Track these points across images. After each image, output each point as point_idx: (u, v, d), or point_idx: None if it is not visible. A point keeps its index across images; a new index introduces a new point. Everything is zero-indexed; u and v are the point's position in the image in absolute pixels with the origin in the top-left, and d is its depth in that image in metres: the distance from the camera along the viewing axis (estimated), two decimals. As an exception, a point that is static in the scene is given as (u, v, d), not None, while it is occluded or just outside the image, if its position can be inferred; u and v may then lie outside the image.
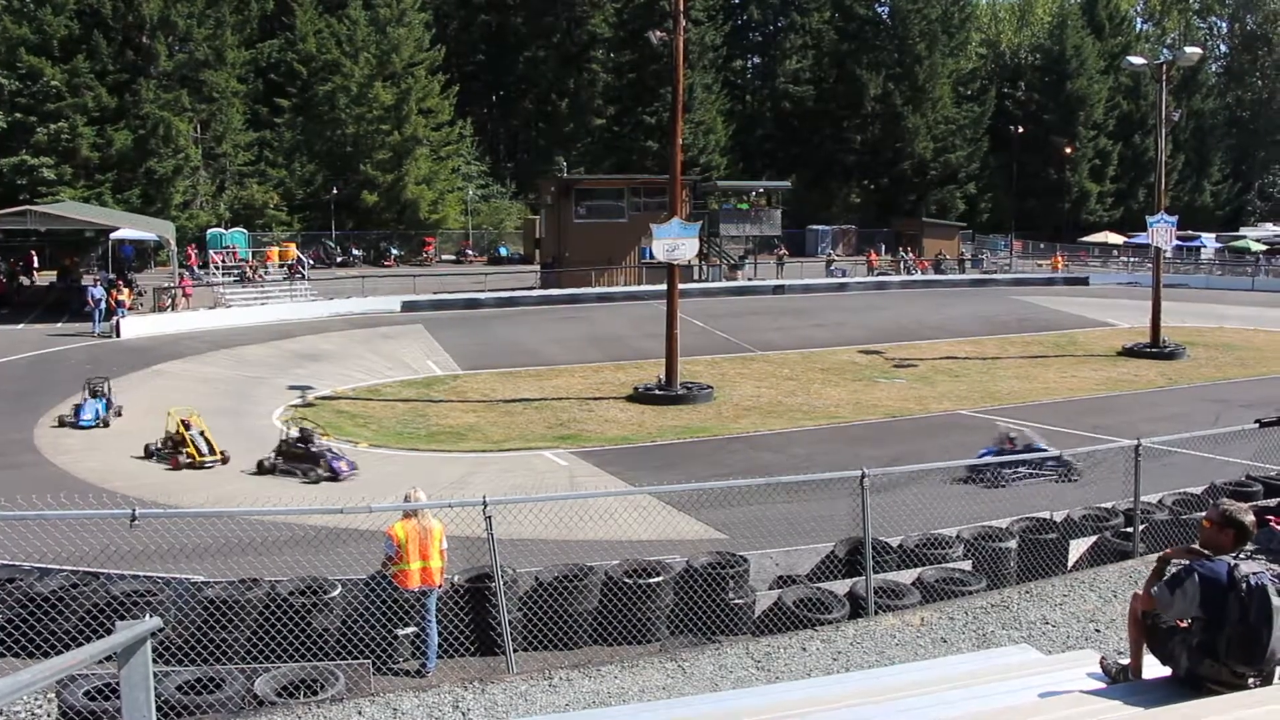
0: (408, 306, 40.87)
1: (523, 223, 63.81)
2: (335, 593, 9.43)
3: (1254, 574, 5.24)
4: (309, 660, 8.25)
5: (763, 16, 77.46)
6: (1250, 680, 5.27)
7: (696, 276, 48.06)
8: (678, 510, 14.96)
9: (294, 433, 19.87)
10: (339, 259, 55.90)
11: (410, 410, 24.81)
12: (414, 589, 9.25)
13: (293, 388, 26.39)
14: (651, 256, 30.44)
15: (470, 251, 61.80)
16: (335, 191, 57.98)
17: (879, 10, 76.13)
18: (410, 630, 9.28)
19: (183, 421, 19.27)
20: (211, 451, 19.14)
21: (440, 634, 9.23)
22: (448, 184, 64.05)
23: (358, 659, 8.39)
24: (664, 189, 33.85)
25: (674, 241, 26.19)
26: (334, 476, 18.22)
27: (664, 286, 27.88)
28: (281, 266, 45.87)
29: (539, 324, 38.16)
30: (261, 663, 8.18)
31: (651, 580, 9.85)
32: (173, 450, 19.10)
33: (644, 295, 42.48)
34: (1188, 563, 5.44)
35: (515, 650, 8.53)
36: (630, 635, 9.45)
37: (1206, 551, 5.49)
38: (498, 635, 8.65)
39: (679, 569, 10.22)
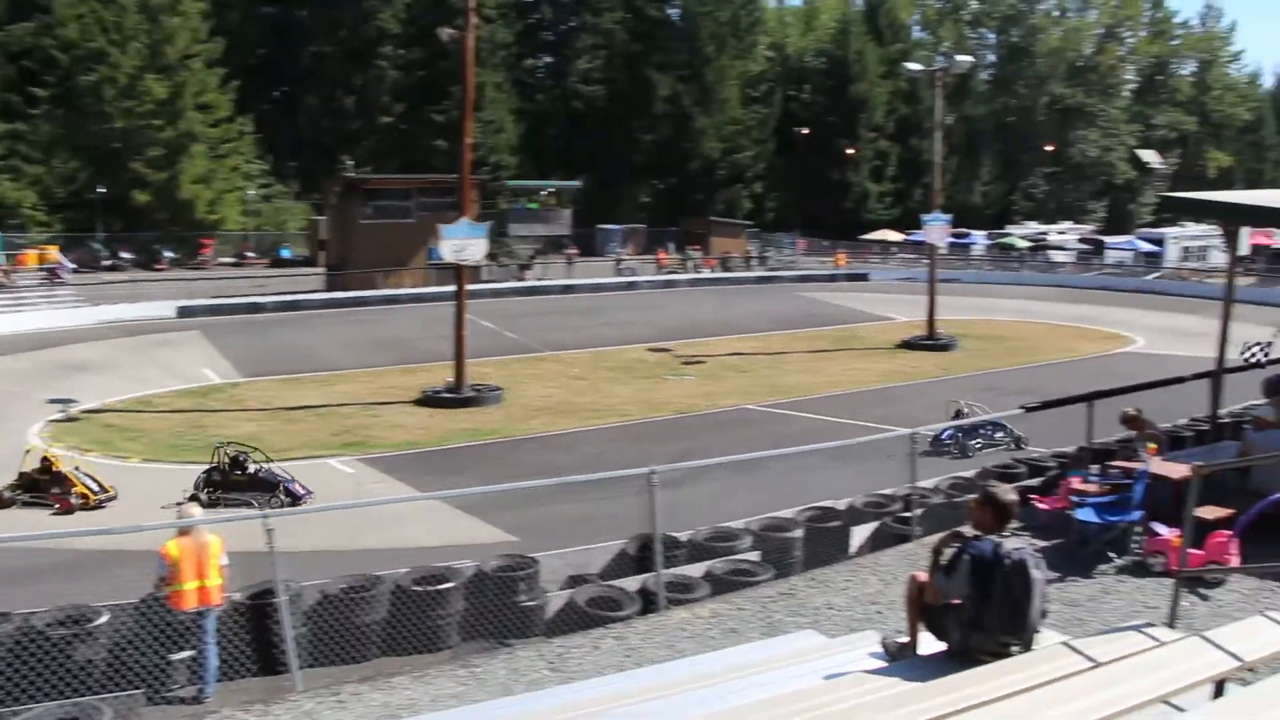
0: (183, 312, 39.23)
1: (307, 224, 61.89)
2: (102, 620, 8.83)
3: (1016, 550, 5.55)
4: (70, 697, 7.77)
5: (554, 16, 77.38)
6: (1014, 649, 5.56)
7: (485, 277, 47.67)
8: (468, 514, 14.84)
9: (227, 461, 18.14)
10: (107, 262, 52.88)
11: (186, 421, 23.80)
12: (190, 610, 8.77)
13: (53, 401, 24.83)
14: (440, 257, 30.05)
15: (251, 254, 59.39)
16: (101, 190, 54.91)
17: (670, 12, 77.07)
18: (186, 654, 8.79)
19: (45, 459, 17.75)
20: (103, 489, 17.75)
21: (220, 655, 8.81)
22: (227, 183, 61.04)
23: (128, 690, 7.98)
24: (453, 189, 33.45)
25: (462, 242, 25.95)
26: (295, 501, 16.79)
27: (452, 288, 27.58)
28: (41, 270, 43.21)
29: (324, 328, 37.23)
30: (13, 705, 7.65)
31: (441, 587, 9.70)
32: (61, 492, 17.45)
33: (432, 297, 41.92)
34: (959, 546, 5.69)
35: (301, 667, 8.26)
36: (421, 644, 9.29)
37: (975, 532, 5.77)
38: (282, 653, 8.35)
39: (469, 574, 10.10)
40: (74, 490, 17.53)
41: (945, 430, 20.50)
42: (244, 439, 21.52)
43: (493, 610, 9.50)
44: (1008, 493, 5.82)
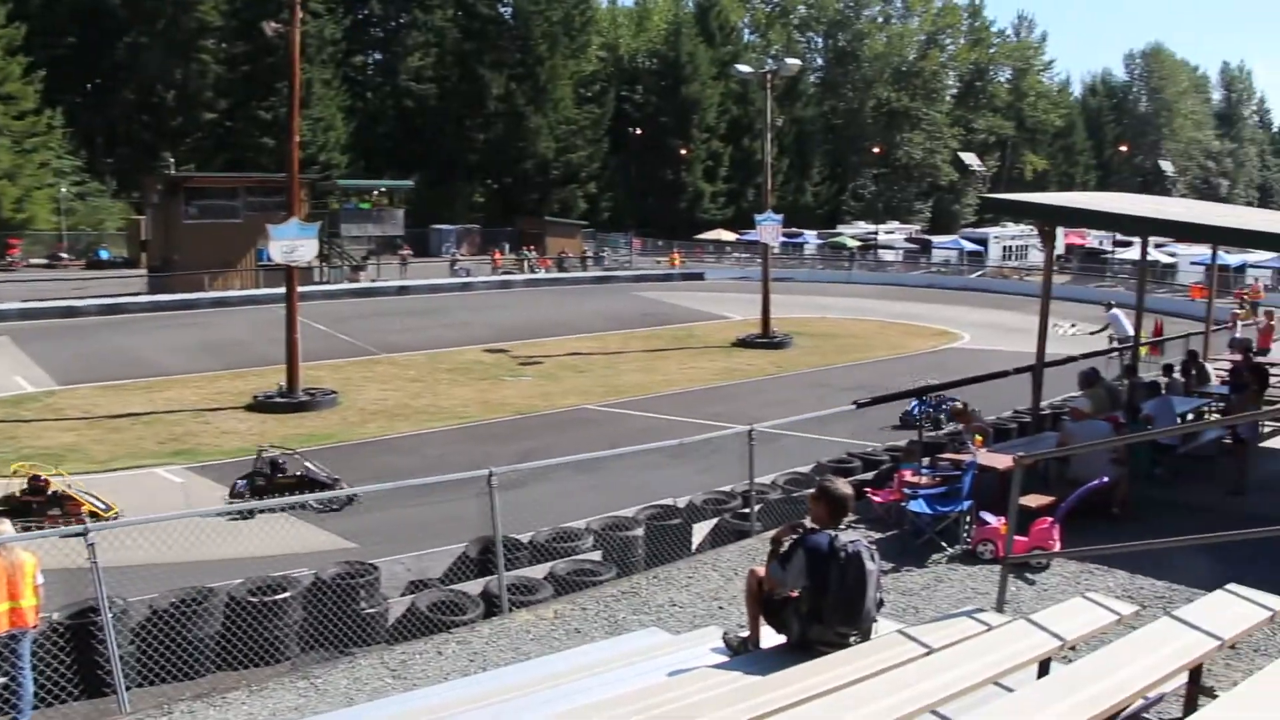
0: (-11, 316, 37.29)
1: (126, 224, 59.47)
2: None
3: (851, 542, 5.69)
4: None
5: (384, 12, 76.16)
6: (852, 639, 5.69)
7: (318, 278, 46.77)
8: (304, 521, 14.50)
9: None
10: (-100, 263, 49.92)
11: (-5, 432, 22.61)
12: (1, 634, 8.21)
13: None
14: (269, 258, 29.28)
15: (65, 255, 56.76)
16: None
17: (502, 10, 76.68)
18: None
19: (34, 478, 15.91)
20: (107, 506, 16.03)
21: (37, 680, 8.29)
22: (35, 179, 57.87)
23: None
24: (281, 188, 32.65)
25: (292, 243, 25.35)
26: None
27: (283, 290, 26.90)
28: None
29: (148, 332, 35.86)
30: None
31: (278, 597, 9.43)
32: (63, 513, 15.41)
33: (262, 299, 40.85)
34: (796, 538, 5.80)
35: (129, 687, 7.93)
36: (258, 656, 9.01)
37: (814, 525, 5.89)
38: (107, 673, 7.99)
39: (307, 582, 9.85)
40: (83, 510, 15.71)
41: (914, 405, 20.86)
42: (62, 449, 20.65)
43: (333, 619, 9.28)
44: (843, 487, 5.96)
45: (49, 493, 15.90)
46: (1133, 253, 55.08)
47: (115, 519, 15.37)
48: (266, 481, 16.86)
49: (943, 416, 19.84)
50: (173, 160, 53.04)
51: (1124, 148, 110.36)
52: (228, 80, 63.47)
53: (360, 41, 75.56)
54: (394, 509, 13.72)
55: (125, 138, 63.92)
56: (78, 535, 7.83)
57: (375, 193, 57.09)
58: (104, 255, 57.44)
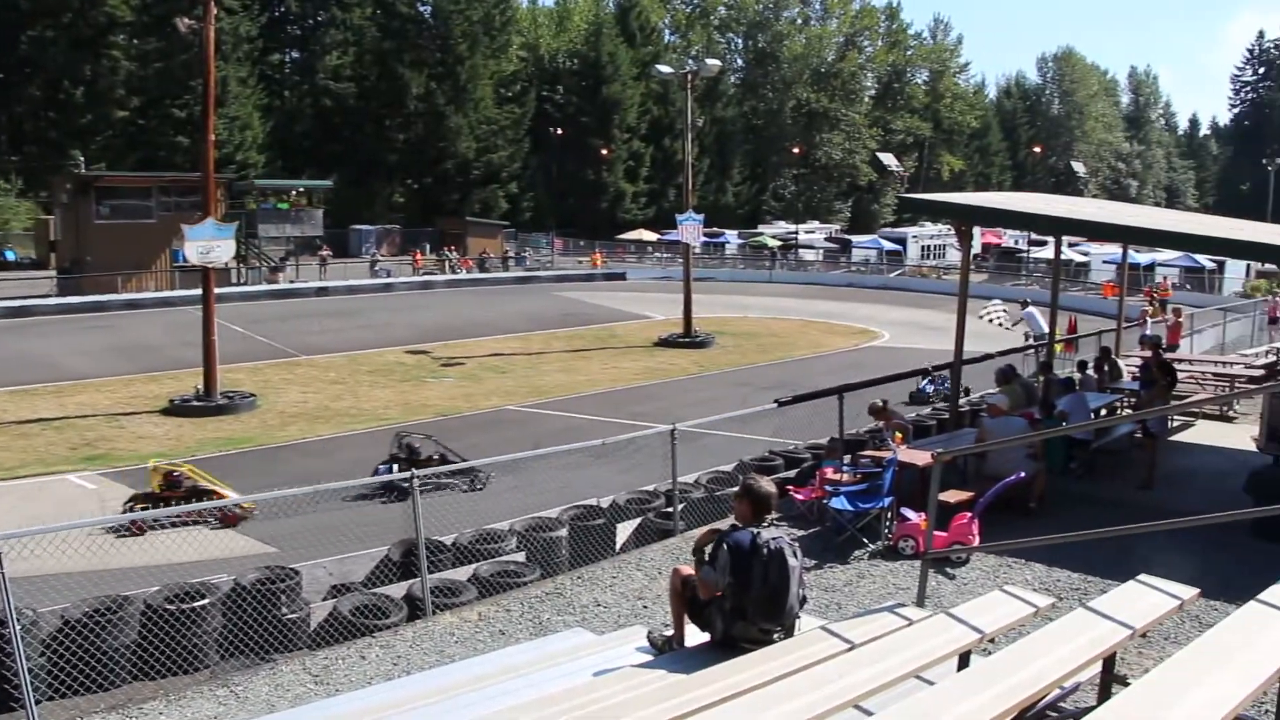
0: (-120, 320, 36.23)
1: (34, 223, 58.12)
2: None
3: (774, 539, 5.72)
4: None
5: (301, 10, 75.20)
6: (775, 636, 5.73)
7: (235, 280, 46.11)
8: (223, 526, 14.26)
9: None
10: None
11: (-108, 440, 21.91)
12: None
13: None
14: (185, 259, 28.78)
15: (-35, 255, 55.52)
16: None
17: (421, 9, 76.10)
18: None
19: (170, 474, 15.64)
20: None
21: None
22: (-68, 178, 56.76)
23: None
24: (197, 187, 32.17)
25: (209, 243, 24.94)
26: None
27: (199, 291, 26.45)
28: None
29: (58, 335, 35.05)
30: None
31: (196, 604, 9.27)
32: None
33: (178, 301, 40.21)
34: (719, 537, 5.84)
35: (39, 701, 7.73)
36: (177, 665, 8.85)
37: (737, 524, 5.93)
38: (16, 688, 7.78)
39: (227, 588, 9.70)
40: (219, 498, 15.23)
41: (924, 384, 23.06)
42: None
43: (253, 625, 9.13)
44: (765, 485, 6.01)
45: (185, 486, 15.77)
46: (1047, 252, 56.17)
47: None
48: (407, 462, 17.00)
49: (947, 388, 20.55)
50: (82, 159, 51.85)
51: (1038, 149, 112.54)
52: (140, 77, 62.03)
53: (277, 39, 74.53)
54: (315, 513, 13.54)
55: (31, 135, 62.21)
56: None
57: (293, 193, 56.41)
58: (10, 256, 56.04)
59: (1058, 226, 17.14)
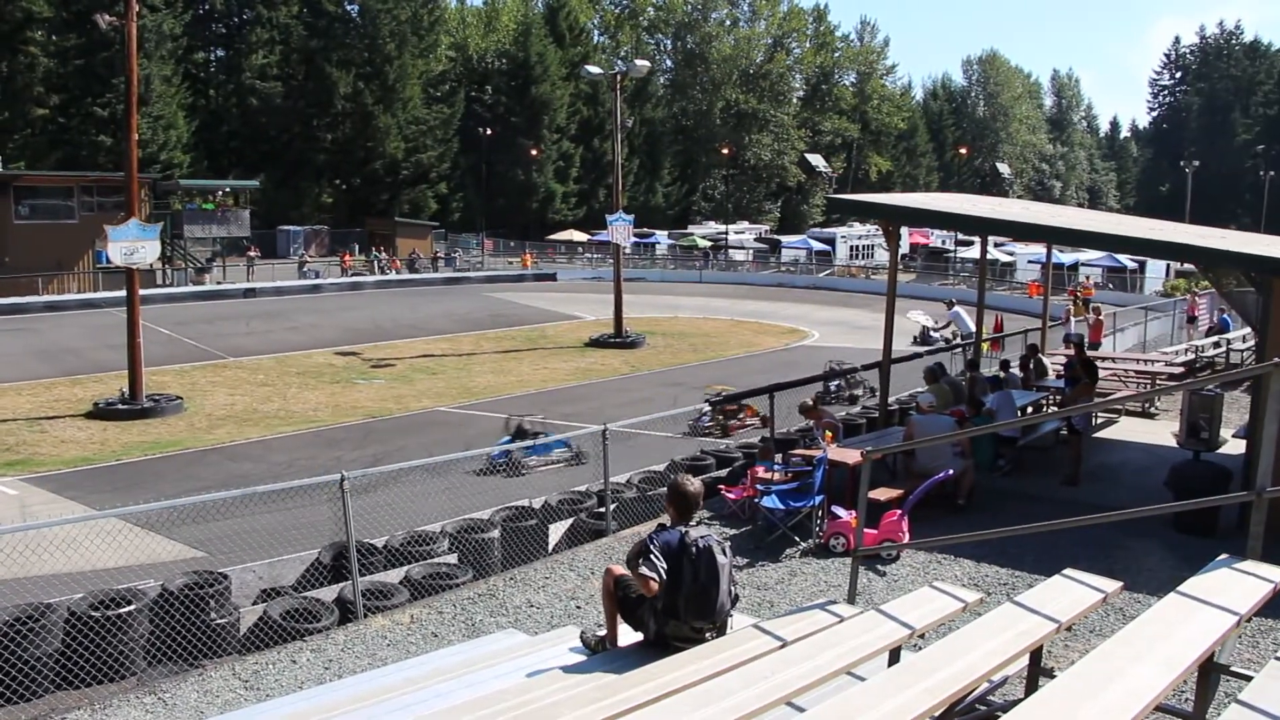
0: None
1: (-50, 223, 56.97)
2: None
3: (702, 537, 5.81)
4: None
5: (226, 8, 74.12)
6: (708, 634, 5.79)
7: (161, 281, 45.39)
8: (150, 531, 14.03)
9: None
10: None
11: None
12: None
13: None
14: (108, 260, 28.30)
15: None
16: None
17: (348, 8, 75.39)
18: None
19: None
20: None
21: None
22: None
23: None
24: (120, 187, 31.62)
25: (133, 244, 24.52)
26: None
27: (123, 293, 26.01)
28: None
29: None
30: None
31: (122, 610, 9.11)
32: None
33: (101, 303, 39.53)
34: (646, 537, 5.89)
35: (-42, 710, 7.61)
36: (102, 673, 8.69)
37: (664, 525, 5.99)
38: (-66, 698, 7.64)
39: (154, 594, 9.55)
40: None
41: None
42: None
43: (181, 631, 9.01)
44: (691, 483, 6.08)
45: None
46: (974, 252, 56.89)
47: None
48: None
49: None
50: (0, 158, 50.76)
51: (964, 150, 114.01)
52: (59, 75, 60.78)
53: (202, 37, 73.44)
54: (244, 516, 13.38)
55: (-54, 134, 60.87)
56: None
57: (219, 193, 55.63)
58: (-75, 258, 54.77)
59: (983, 226, 17.41)
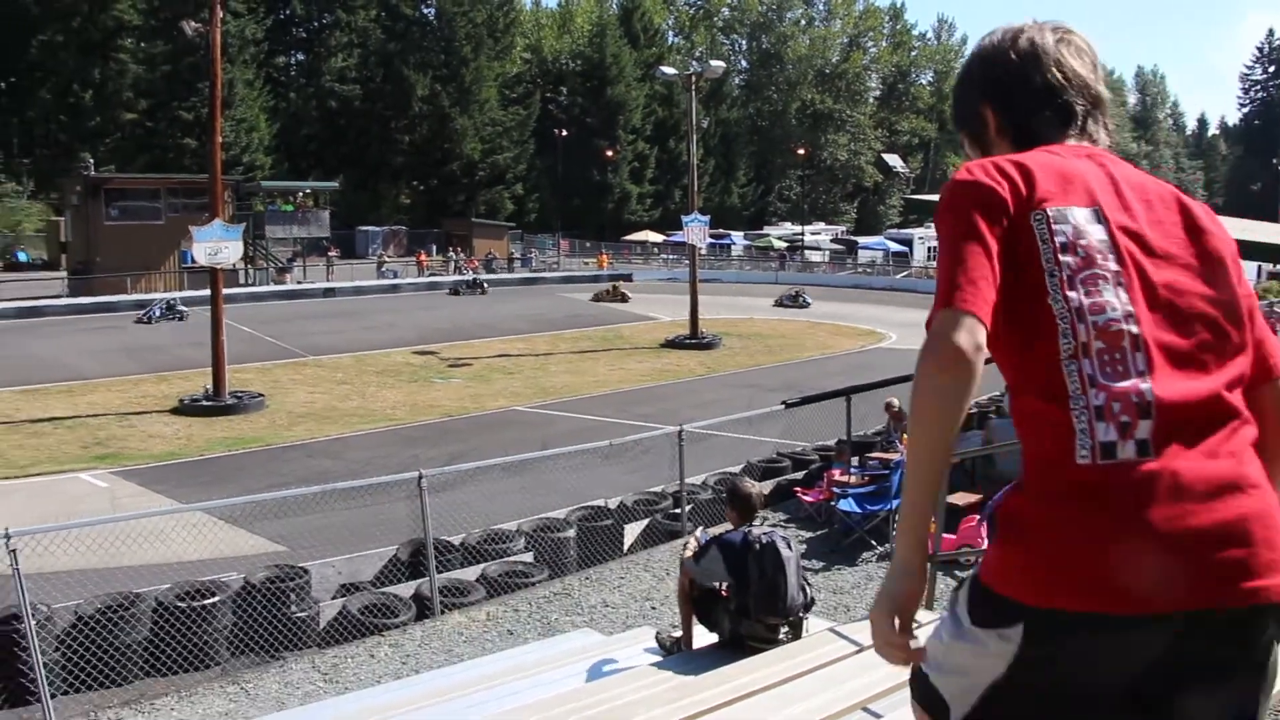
0: (-104, 321, 36.41)
1: (45, 225, 58.40)
2: None
3: (765, 534, 5.84)
4: None
5: (306, 12, 75.33)
6: (782, 633, 5.79)
7: (243, 280, 46.14)
8: (233, 525, 14.28)
9: None
10: None
11: (-93, 439, 21.99)
12: None
13: None
14: (193, 260, 28.90)
15: (-18, 257, 55.86)
16: None
17: (425, 11, 76.21)
18: None
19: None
20: None
21: None
22: (-52, 181, 57.08)
23: None
24: (204, 189, 32.19)
25: (216, 244, 25.00)
26: None
27: (208, 292, 26.52)
28: None
29: (68, 335, 35.14)
30: None
31: (207, 601, 9.33)
32: None
33: (187, 302, 40.19)
34: (710, 540, 5.96)
35: (54, 695, 7.81)
36: (188, 662, 8.92)
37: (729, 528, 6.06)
38: (31, 682, 7.86)
39: (237, 586, 9.76)
40: None
41: None
42: (-20, 454, 20.20)
43: (263, 623, 9.20)
44: (749, 485, 6.16)
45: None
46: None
47: None
48: None
49: None
50: (92, 161, 51.91)
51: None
52: (147, 80, 62.24)
53: (283, 42, 74.68)
54: (324, 512, 13.56)
55: (42, 139, 62.55)
56: None
57: (300, 194, 56.51)
58: (22, 257, 56.28)
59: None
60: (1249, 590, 1.67)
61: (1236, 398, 1.81)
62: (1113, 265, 1.83)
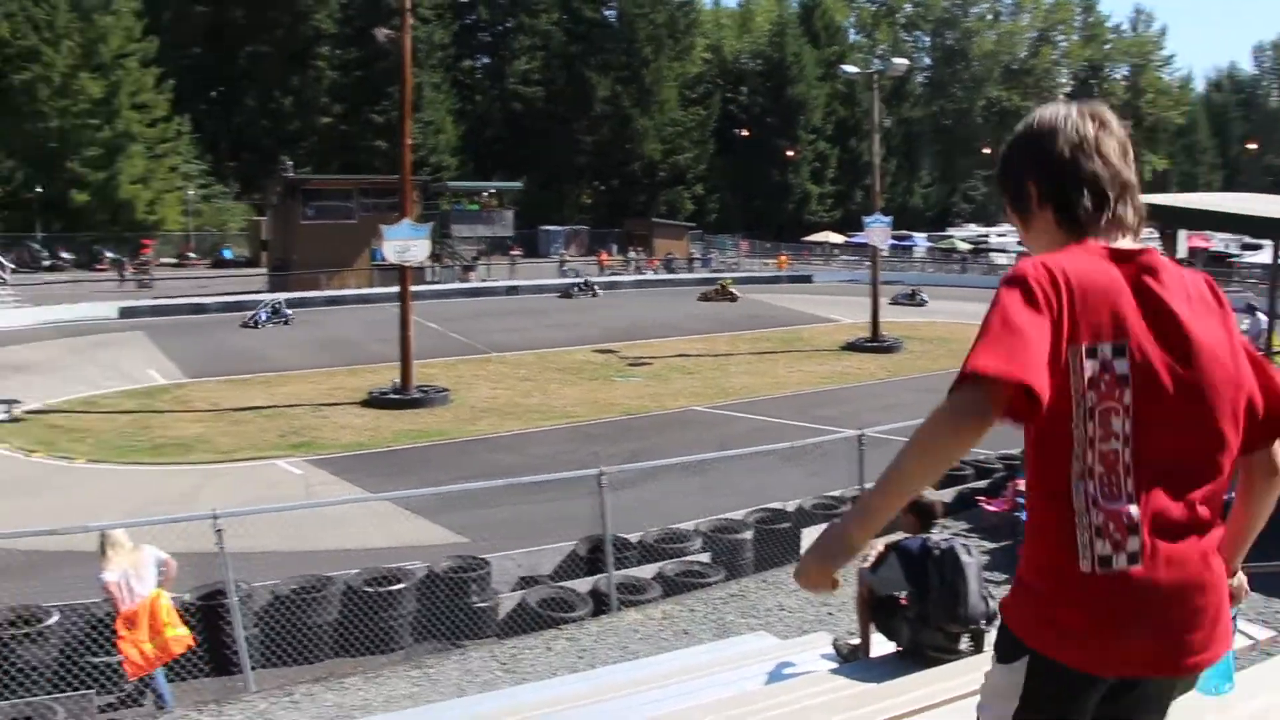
0: (126, 313, 38.59)
1: (248, 224, 61.39)
2: (52, 620, 8.64)
3: (944, 541, 5.75)
4: (22, 697, 7.65)
5: (491, 16, 77.21)
6: (963, 642, 5.67)
7: (429, 278, 47.41)
8: (417, 515, 14.73)
9: None
10: (46, 262, 52.10)
11: (132, 422, 23.35)
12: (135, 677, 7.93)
13: (-4, 401, 24.28)
14: (383, 258, 29.84)
15: (192, 254, 58.97)
16: (39, 190, 54.03)
17: (606, 14, 77.14)
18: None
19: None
20: None
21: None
22: (165, 183, 60.37)
23: (80, 691, 7.86)
24: (394, 189, 33.29)
25: (405, 243, 25.75)
26: None
27: (396, 289, 27.36)
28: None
29: (268, 329, 36.82)
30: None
31: (393, 587, 9.65)
32: None
33: (376, 298, 41.60)
34: (887, 547, 5.89)
35: (254, 668, 8.21)
36: (373, 645, 9.25)
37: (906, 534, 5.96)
38: (234, 653, 8.28)
39: (420, 575, 10.04)
40: None
41: None
42: (191, 440, 21.33)
43: (445, 611, 9.46)
44: (928, 495, 6.03)
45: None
46: (1263, 256, 53.25)
47: None
48: None
49: None
50: (291, 163, 54.27)
51: (1252, 145, 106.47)
52: (342, 86, 64.97)
53: (468, 46, 76.67)
54: (504, 505, 13.87)
55: (247, 142, 65.86)
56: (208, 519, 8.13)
57: (484, 194, 57.90)
58: (227, 255, 59.49)
59: (1275, 229, 16.28)
60: (1190, 665, 2.20)
61: (1210, 507, 2.20)
62: (1126, 399, 2.13)
